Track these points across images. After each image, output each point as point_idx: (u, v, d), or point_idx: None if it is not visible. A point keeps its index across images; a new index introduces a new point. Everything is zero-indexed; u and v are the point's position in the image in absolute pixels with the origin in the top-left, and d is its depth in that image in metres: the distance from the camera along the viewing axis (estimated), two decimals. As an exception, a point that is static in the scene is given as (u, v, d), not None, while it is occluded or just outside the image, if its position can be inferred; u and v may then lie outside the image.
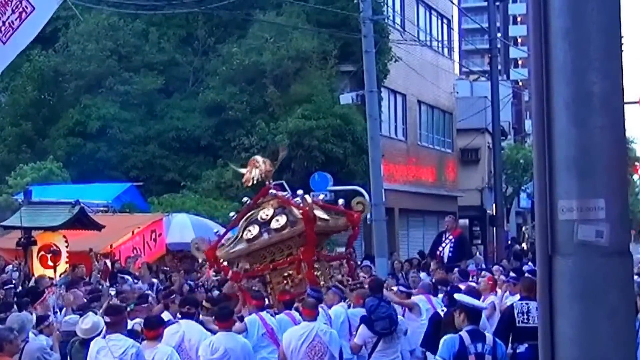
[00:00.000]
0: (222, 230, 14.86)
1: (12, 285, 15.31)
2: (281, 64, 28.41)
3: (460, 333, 8.64)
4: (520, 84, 60.33)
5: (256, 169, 13.94)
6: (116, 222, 20.69)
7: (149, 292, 14.78)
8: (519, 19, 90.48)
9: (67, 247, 18.33)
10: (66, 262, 18.15)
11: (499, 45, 38.51)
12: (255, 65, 28.43)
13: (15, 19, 7.60)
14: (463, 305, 8.92)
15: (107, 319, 9.53)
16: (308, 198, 13.88)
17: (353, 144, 27.92)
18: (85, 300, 13.14)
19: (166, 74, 29.96)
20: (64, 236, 18.46)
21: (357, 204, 14.36)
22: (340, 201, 14.68)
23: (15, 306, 11.95)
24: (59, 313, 13.16)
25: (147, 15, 29.30)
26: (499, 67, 41.26)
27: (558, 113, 3.78)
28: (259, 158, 14.48)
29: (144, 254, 20.65)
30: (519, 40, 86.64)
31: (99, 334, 9.63)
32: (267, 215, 13.42)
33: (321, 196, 14.65)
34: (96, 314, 10.69)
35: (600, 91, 3.76)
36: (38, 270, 17.75)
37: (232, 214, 14.81)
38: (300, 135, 27.12)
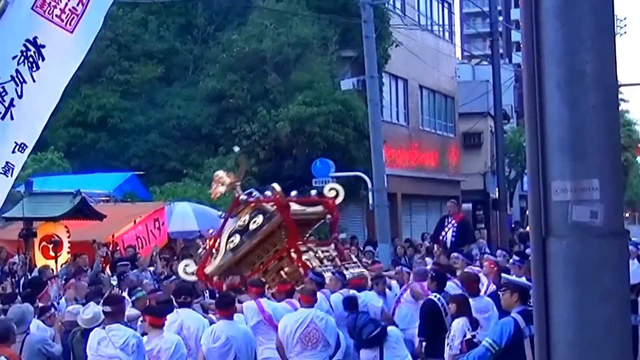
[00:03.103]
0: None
1: (16, 277, 15.33)
2: (281, 50, 28.33)
3: (514, 315, 8.44)
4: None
5: (221, 185, 14.26)
6: (118, 212, 20.68)
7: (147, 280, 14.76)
8: (520, 1, 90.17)
9: (68, 237, 18.33)
10: (68, 253, 18.16)
11: (500, 29, 38.30)
12: (256, 52, 28.35)
13: (77, 4, 7.43)
14: (516, 285, 8.68)
15: (107, 309, 9.50)
16: (276, 186, 14.14)
17: (354, 130, 27.85)
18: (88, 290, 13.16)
19: (166, 63, 29.92)
20: (66, 226, 18.46)
21: (329, 191, 14.67)
22: (313, 192, 14.98)
23: (19, 297, 11.95)
24: (60, 303, 13.16)
25: (146, 3, 29.23)
26: (501, 51, 41.04)
27: (550, 94, 3.73)
28: (221, 173, 14.93)
29: (149, 242, 20.65)
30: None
31: (100, 324, 9.61)
32: (244, 221, 13.72)
33: (293, 192, 14.85)
34: (98, 303, 10.67)
35: (593, 70, 3.70)
36: (40, 261, 17.74)
37: (210, 230, 15.12)
38: (302, 121, 27.06)
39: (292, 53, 28.52)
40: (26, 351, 9.67)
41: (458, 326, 9.93)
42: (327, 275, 12.84)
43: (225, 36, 29.40)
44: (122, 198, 23.26)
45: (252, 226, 13.52)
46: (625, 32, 57.67)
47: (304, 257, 13.33)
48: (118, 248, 19.38)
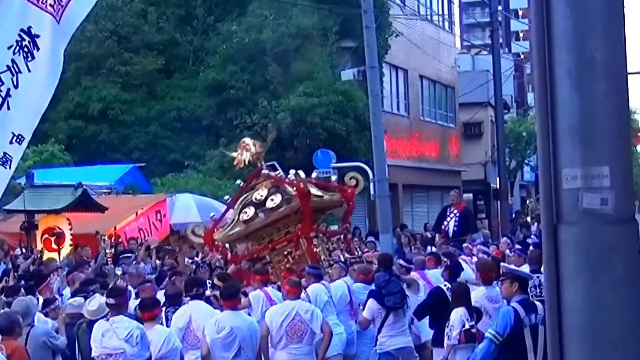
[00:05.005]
0: (218, 214, 14.86)
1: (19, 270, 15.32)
2: (281, 41, 28.28)
3: (513, 305, 8.49)
4: (522, 56, 60.07)
5: (247, 151, 14.08)
6: (119, 204, 20.66)
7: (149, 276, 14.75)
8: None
9: (70, 229, 18.33)
10: (70, 245, 18.16)
11: (500, 19, 38.30)
12: (256, 43, 28.30)
13: None
14: (516, 275, 8.78)
15: (110, 301, 9.50)
16: (301, 174, 14.04)
17: (355, 121, 27.83)
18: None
19: (166, 54, 29.88)
20: (68, 219, 18.46)
21: (350, 179, 14.53)
22: (334, 177, 14.80)
23: (22, 290, 11.94)
24: (64, 295, 13.17)
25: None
26: (501, 41, 41.00)
27: (560, 81, 3.73)
28: (248, 140, 14.58)
29: (151, 234, 20.65)
30: (520, 12, 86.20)
31: (105, 316, 9.61)
32: (261, 196, 13.52)
33: (314, 174, 14.74)
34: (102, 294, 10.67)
35: (603, 57, 3.70)
36: (44, 254, 17.74)
37: (226, 197, 14.94)
38: (302, 112, 27.02)
39: (292, 44, 28.47)
40: (31, 344, 9.68)
41: (456, 316, 9.95)
42: (329, 270, 12.92)
43: (225, 27, 29.34)
44: (123, 190, 23.25)
45: (268, 203, 13.33)
46: (625, 16, 57.47)
47: (314, 249, 13.30)
48: (120, 240, 19.39)
